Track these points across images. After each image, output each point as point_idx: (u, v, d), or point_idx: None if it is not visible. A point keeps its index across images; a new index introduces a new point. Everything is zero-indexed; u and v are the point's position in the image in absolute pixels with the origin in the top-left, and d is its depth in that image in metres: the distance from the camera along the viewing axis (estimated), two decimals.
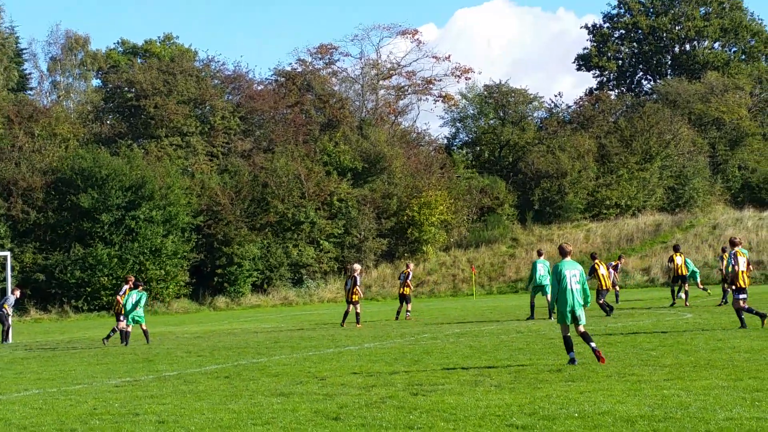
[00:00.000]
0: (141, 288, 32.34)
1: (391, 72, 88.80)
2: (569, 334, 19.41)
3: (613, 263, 45.11)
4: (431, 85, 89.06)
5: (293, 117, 76.88)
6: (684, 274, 38.90)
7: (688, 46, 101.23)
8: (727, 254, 31.01)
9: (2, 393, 19.13)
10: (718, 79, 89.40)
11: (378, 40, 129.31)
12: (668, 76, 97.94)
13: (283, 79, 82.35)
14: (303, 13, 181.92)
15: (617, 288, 43.60)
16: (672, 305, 37.84)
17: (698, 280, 41.65)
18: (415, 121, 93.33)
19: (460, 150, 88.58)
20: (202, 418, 14.65)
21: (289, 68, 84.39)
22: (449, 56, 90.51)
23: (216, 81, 77.39)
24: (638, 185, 79.30)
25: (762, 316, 25.62)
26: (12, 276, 42.49)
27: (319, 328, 36.53)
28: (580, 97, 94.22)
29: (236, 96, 78.05)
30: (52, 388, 19.64)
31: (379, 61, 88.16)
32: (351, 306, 36.05)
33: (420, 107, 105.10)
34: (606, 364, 18.85)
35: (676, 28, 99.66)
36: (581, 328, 19.45)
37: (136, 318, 31.48)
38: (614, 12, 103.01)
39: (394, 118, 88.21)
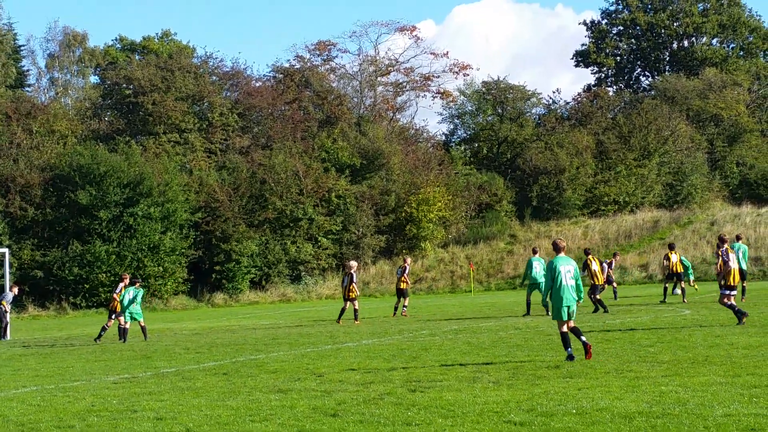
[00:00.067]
0: (138, 284, 32.35)
1: (389, 68, 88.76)
2: (566, 331, 19.46)
3: (608, 260, 45.13)
4: (429, 82, 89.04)
5: (291, 114, 76.83)
6: (679, 271, 38.98)
7: (686, 43, 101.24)
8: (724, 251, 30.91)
9: (0, 390, 19.14)
10: (716, 76, 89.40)
11: (376, 37, 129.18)
12: (666, 73, 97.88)
13: (281, 75, 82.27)
14: (301, 9, 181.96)
15: (614, 285, 43.59)
16: (662, 302, 37.88)
17: (692, 277, 41.67)
18: (413, 118, 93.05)
19: (458, 146, 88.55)
20: (200, 415, 14.67)
21: (287, 65, 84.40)
22: (447, 52, 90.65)
23: (214, 78, 77.33)
24: (636, 182, 79.30)
25: (742, 315, 25.57)
26: (10, 273, 42.49)
27: (317, 324, 36.54)
28: (579, 94, 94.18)
29: (234, 93, 77.97)
30: (50, 384, 19.65)
31: (378, 58, 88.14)
32: (348, 303, 36.04)
33: (418, 104, 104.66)
34: (603, 360, 18.87)
35: (674, 24, 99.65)
36: (571, 323, 19.54)
37: (134, 315, 31.49)
38: (612, 8, 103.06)
39: (392, 114, 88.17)
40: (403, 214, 71.10)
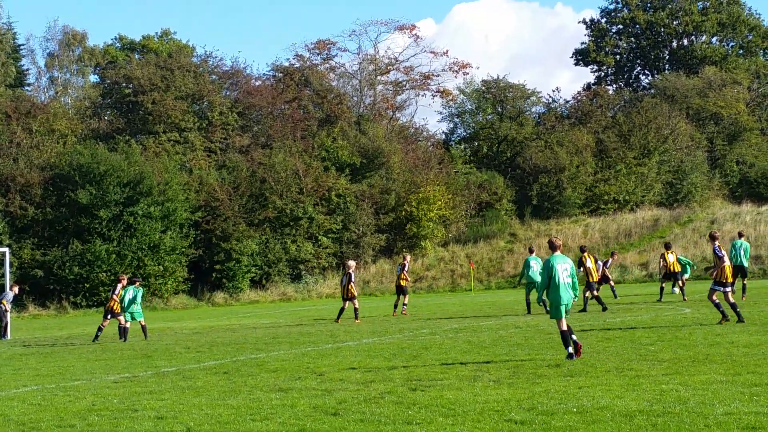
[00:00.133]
0: (138, 283, 32.33)
1: (388, 67, 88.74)
2: (566, 329, 19.48)
3: (605, 259, 45.14)
4: (429, 81, 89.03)
5: (291, 112, 76.82)
6: (676, 271, 38.96)
7: (685, 41, 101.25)
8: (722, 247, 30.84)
9: (1, 389, 19.14)
10: (716, 74, 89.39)
11: (376, 36, 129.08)
12: (666, 71, 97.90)
13: (280, 74, 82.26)
14: (301, 8, 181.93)
15: (612, 283, 43.59)
16: (658, 301, 37.89)
17: (688, 274, 41.54)
18: (413, 117, 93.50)
19: (458, 145, 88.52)
20: (200, 414, 14.67)
21: (286, 64, 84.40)
22: (447, 51, 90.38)
23: (214, 77, 77.31)
24: (636, 180, 79.31)
25: (723, 315, 25.58)
26: (10, 272, 42.49)
27: (317, 323, 36.54)
28: (578, 92, 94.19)
29: (234, 92, 77.96)
30: (50, 384, 19.65)
31: (377, 57, 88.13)
32: (347, 303, 36.06)
33: (418, 102, 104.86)
34: (604, 359, 18.87)
35: (674, 22, 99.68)
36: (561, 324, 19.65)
37: (134, 314, 31.49)
38: (612, 7, 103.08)
39: (392, 113, 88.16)
40: (403, 213, 71.10)
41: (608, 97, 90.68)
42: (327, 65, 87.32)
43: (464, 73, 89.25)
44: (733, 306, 25.72)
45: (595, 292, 34.67)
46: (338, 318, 36.14)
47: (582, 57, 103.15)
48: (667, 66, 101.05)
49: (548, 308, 31.97)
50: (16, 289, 39.03)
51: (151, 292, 60.09)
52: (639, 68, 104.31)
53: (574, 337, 19.40)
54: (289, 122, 75.08)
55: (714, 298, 25.65)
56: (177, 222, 62.61)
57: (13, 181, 61.31)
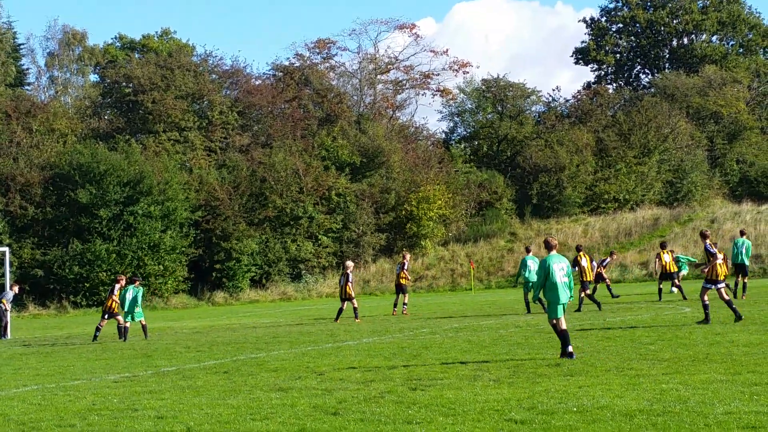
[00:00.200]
0: (137, 283, 32.32)
1: (389, 66, 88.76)
2: (565, 328, 19.53)
3: (604, 258, 45.15)
4: (429, 80, 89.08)
5: (291, 112, 76.81)
6: (672, 271, 38.85)
7: (685, 40, 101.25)
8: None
9: (1, 389, 19.14)
10: (716, 73, 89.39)
11: (376, 35, 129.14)
12: (666, 70, 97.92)
13: (280, 73, 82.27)
14: (300, 7, 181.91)
15: (608, 282, 43.61)
16: (659, 301, 37.87)
17: (685, 271, 41.41)
18: (413, 116, 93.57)
19: (458, 144, 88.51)
20: (200, 414, 14.67)
21: (286, 63, 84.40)
22: (447, 50, 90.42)
23: (214, 76, 77.30)
24: (636, 179, 79.31)
25: (706, 317, 25.56)
26: (10, 271, 42.48)
27: (317, 323, 36.55)
28: (578, 91, 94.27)
29: (234, 91, 77.96)
30: (50, 383, 19.65)
31: (377, 56, 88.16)
32: (345, 303, 36.11)
33: (418, 102, 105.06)
34: (604, 358, 18.89)
35: (674, 21, 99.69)
36: (555, 322, 19.67)
37: (134, 314, 31.48)
38: (612, 6, 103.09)
39: (392, 112, 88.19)
40: (404, 212, 71.11)
41: (608, 96, 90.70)
42: (327, 64, 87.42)
43: (464, 72, 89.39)
44: (729, 303, 25.68)
45: (588, 291, 34.70)
46: (337, 318, 36.16)
47: (582, 56, 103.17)
48: (667, 65, 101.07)
49: (546, 307, 32.10)
50: (16, 289, 39.03)
51: (151, 291, 60.11)
52: (639, 67, 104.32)
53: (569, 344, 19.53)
54: (289, 121, 75.08)
55: (705, 298, 25.61)
56: (177, 221, 62.62)
57: (13, 181, 61.32)
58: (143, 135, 70.57)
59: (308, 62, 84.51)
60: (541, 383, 16.03)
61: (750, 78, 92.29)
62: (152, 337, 31.70)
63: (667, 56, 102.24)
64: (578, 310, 33.79)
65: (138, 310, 31.48)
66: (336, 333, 29.80)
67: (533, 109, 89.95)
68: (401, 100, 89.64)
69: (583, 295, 34.77)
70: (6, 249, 42.01)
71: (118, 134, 68.74)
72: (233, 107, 74.42)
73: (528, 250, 37.34)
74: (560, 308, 19.52)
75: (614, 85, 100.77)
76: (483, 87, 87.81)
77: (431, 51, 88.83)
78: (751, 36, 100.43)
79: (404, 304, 38.89)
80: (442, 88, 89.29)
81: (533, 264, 34.47)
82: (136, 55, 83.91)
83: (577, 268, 34.51)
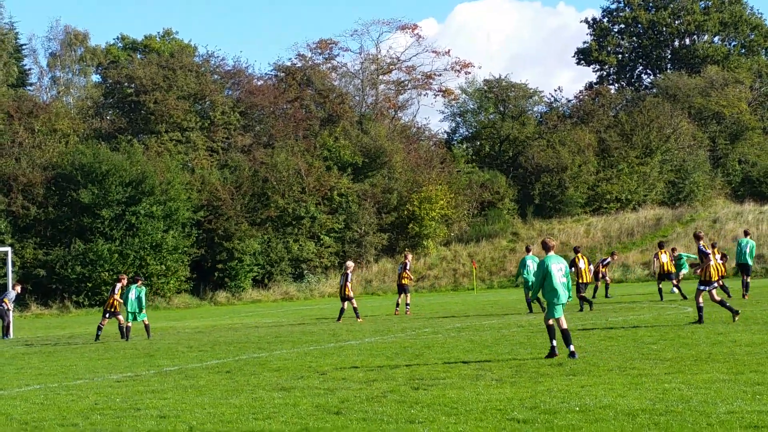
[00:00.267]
0: (140, 283, 32.34)
1: (390, 67, 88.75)
2: (566, 327, 19.57)
3: (605, 258, 45.15)
4: (431, 80, 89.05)
5: (293, 112, 76.81)
6: (670, 271, 38.80)
7: (687, 40, 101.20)
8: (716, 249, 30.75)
9: (3, 388, 19.15)
10: (718, 73, 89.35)
11: (378, 35, 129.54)
12: (668, 70, 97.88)
13: (282, 74, 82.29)
14: (302, 8, 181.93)
15: (608, 279, 43.54)
16: (661, 300, 37.85)
17: (686, 270, 41.39)
18: (415, 116, 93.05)
19: (460, 145, 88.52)
20: (203, 413, 14.67)
21: (288, 63, 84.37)
22: (449, 51, 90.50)
23: (216, 76, 77.28)
24: (638, 179, 79.29)
25: (699, 318, 25.56)
26: (13, 271, 42.49)
27: (320, 322, 36.56)
28: (580, 92, 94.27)
29: (236, 91, 77.95)
30: (53, 383, 19.66)
31: (379, 56, 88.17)
32: (345, 303, 36.19)
33: (420, 102, 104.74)
34: (606, 358, 18.89)
35: (676, 22, 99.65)
36: (551, 321, 19.72)
37: (137, 314, 31.51)
38: (614, 6, 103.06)
39: (394, 112, 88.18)
40: (406, 213, 71.11)
41: (610, 96, 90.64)
42: (329, 65, 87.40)
43: (466, 73, 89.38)
44: (721, 303, 25.72)
45: (583, 293, 34.75)
46: (339, 318, 36.21)
47: (584, 56, 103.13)
48: (669, 65, 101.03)
49: (536, 308, 32.29)
50: (18, 289, 39.05)
51: (154, 291, 60.13)
52: (641, 67, 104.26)
53: (554, 342, 19.57)
54: (291, 122, 75.08)
55: (699, 300, 25.63)
56: (179, 221, 62.65)
57: (15, 181, 61.35)
58: (145, 135, 70.57)
59: (310, 63, 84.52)
60: (544, 383, 16.03)
61: (752, 78, 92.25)
62: (155, 337, 31.72)
63: (669, 57, 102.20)
64: (580, 310, 33.79)
65: (140, 309, 31.51)
66: (338, 333, 29.82)
67: (535, 109, 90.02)
68: (403, 101, 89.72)
69: (583, 294, 34.80)
70: (8, 249, 42.04)
71: (120, 134, 68.77)
72: (235, 107, 74.43)
73: (528, 250, 37.34)
74: (560, 308, 19.61)
75: (616, 85, 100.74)
76: (485, 87, 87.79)
77: (433, 51, 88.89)
78: (752, 36, 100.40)
79: (407, 304, 38.92)
80: (444, 89, 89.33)
81: (533, 264, 34.45)
82: (138, 56, 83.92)
83: (574, 269, 34.55)
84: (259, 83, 79.92)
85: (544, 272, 19.71)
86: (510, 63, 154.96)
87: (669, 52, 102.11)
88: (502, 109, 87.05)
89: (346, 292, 36.05)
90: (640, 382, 15.52)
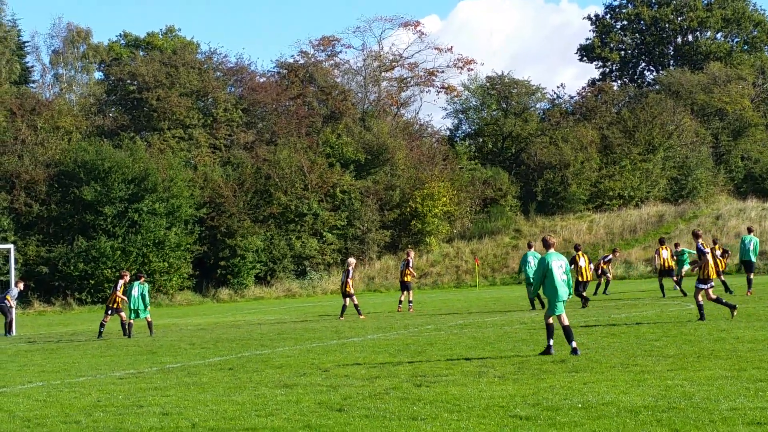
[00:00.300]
0: (142, 279, 32.36)
1: (393, 64, 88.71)
2: (568, 324, 19.68)
3: (606, 255, 45.15)
4: (434, 77, 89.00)
5: (296, 109, 76.77)
6: (671, 267, 38.77)
7: (690, 37, 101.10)
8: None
9: (6, 385, 19.17)
10: (721, 70, 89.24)
11: (380, 32, 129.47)
12: (671, 67, 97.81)
13: (285, 71, 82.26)
14: (305, 5, 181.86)
15: (609, 276, 43.47)
16: (663, 297, 37.83)
17: (687, 266, 41.36)
18: (417, 113, 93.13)
19: (462, 141, 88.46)
20: (206, 410, 14.68)
21: (291, 60, 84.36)
22: (452, 48, 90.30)
23: (218, 73, 77.22)
24: (641, 176, 79.21)
25: (701, 316, 25.56)
26: (15, 268, 42.53)
27: (322, 319, 36.58)
28: (583, 88, 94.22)
29: (239, 88, 77.91)
30: (56, 380, 19.68)
31: (382, 53, 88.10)
32: (346, 299, 36.25)
33: (422, 99, 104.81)
34: (609, 354, 18.90)
35: (679, 18, 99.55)
36: (550, 320, 19.80)
37: (140, 311, 31.53)
38: (616, 3, 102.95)
39: (396, 109, 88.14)
40: (408, 209, 71.08)
41: (613, 93, 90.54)
42: (331, 62, 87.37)
43: (469, 70, 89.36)
44: (718, 300, 25.75)
45: (583, 291, 34.76)
46: (342, 315, 36.25)
47: (586, 53, 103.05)
48: (671, 62, 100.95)
49: (535, 306, 32.37)
50: (21, 286, 39.06)
51: (156, 288, 60.15)
52: (644, 64, 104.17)
53: (551, 341, 19.64)
54: (293, 119, 75.04)
55: (699, 298, 25.62)
56: (182, 218, 62.67)
57: (18, 178, 61.38)
58: (148, 132, 70.55)
59: (313, 60, 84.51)
60: (546, 379, 16.04)
61: (755, 75, 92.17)
62: (157, 334, 31.74)
63: (671, 53, 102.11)
64: (583, 307, 33.79)
65: (144, 307, 31.54)
66: (341, 330, 29.82)
67: (538, 106, 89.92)
68: (406, 98, 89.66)
69: (583, 293, 34.83)
70: (11, 246, 42.06)
71: (123, 132, 68.75)
72: (238, 104, 74.41)
73: (530, 246, 37.33)
74: (560, 305, 19.67)
75: (619, 82, 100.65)
76: (487, 84, 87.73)
77: (436, 48, 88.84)
78: (755, 33, 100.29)
79: (409, 301, 38.94)
80: (446, 85, 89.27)
81: (534, 260, 34.46)
82: (141, 53, 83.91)
83: (574, 267, 34.57)
84: (261, 80, 79.89)
85: (544, 269, 19.77)
86: (513, 60, 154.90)
87: (672, 48, 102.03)
88: (504, 105, 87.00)
89: (347, 289, 36.13)
90: (643, 378, 15.52)
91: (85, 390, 17.70)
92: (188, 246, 62.90)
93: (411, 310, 38.52)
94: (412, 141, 79.23)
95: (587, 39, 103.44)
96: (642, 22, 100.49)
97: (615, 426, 11.94)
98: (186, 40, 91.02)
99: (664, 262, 38.58)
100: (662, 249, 38.95)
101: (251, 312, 46.65)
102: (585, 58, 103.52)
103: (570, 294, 19.98)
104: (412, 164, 73.87)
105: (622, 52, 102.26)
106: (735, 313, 25.41)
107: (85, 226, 60.53)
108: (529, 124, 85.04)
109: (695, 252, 26.78)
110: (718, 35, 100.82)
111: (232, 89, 77.91)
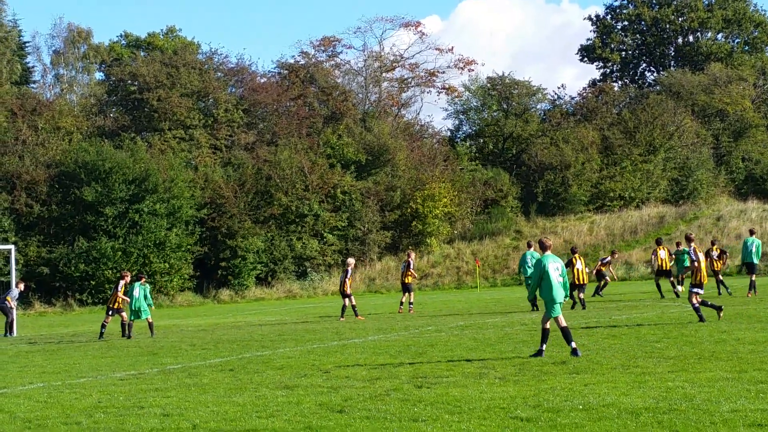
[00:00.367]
0: (143, 280, 32.36)
1: (394, 64, 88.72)
2: (566, 325, 19.69)
3: (605, 257, 45.14)
4: (434, 78, 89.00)
5: (296, 110, 76.79)
6: (668, 268, 38.73)
7: (691, 38, 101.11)
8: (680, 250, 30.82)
9: (7, 386, 19.17)
10: (722, 71, 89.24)
11: (381, 33, 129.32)
12: (671, 68, 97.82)
13: (286, 71, 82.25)
14: (305, 5, 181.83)
15: (608, 279, 43.47)
16: (662, 298, 37.82)
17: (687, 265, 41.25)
18: (418, 114, 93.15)
19: (463, 142, 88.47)
20: (206, 411, 14.69)
21: (292, 61, 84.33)
22: (452, 48, 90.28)
23: (219, 74, 77.21)
24: (642, 177, 79.21)
25: (700, 318, 25.52)
26: (16, 269, 42.52)
27: (323, 320, 36.57)
28: (584, 89, 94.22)
29: (239, 89, 77.92)
30: (56, 381, 19.68)
31: (383, 54, 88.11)
32: (345, 299, 36.28)
33: (423, 99, 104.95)
34: (610, 356, 18.90)
35: (679, 19, 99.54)
36: (547, 325, 19.83)
37: (141, 312, 31.54)
38: (617, 3, 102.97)
39: (397, 110, 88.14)
40: (409, 210, 71.08)
41: (614, 93, 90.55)
42: (332, 62, 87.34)
43: (469, 70, 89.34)
44: (703, 303, 25.80)
45: (581, 295, 34.75)
46: (342, 315, 36.26)
47: (587, 53, 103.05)
48: (672, 62, 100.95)
49: (536, 307, 32.37)
50: (21, 287, 39.06)
51: (157, 289, 60.13)
52: (644, 65, 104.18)
53: (543, 346, 19.68)
54: (294, 119, 75.05)
55: (694, 300, 25.64)
56: (182, 219, 62.67)
57: (18, 179, 61.38)
58: (149, 133, 70.56)
59: (313, 60, 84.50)
60: (547, 381, 16.03)
61: (755, 76, 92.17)
62: (158, 335, 31.74)
63: (672, 54, 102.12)
64: (584, 308, 33.78)
65: (144, 306, 31.55)
66: (341, 331, 29.82)
67: (538, 106, 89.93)
68: (406, 98, 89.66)
69: (582, 295, 34.79)
70: (12, 247, 42.06)
71: (124, 132, 68.75)
72: (238, 105, 74.42)
73: (530, 245, 37.31)
74: (557, 307, 19.71)
75: (619, 82, 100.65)
76: (488, 85, 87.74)
77: (436, 49, 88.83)
78: (756, 33, 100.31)
79: (410, 303, 38.92)
80: (447, 86, 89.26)
81: (532, 260, 34.49)
82: (142, 53, 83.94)
83: (570, 269, 34.57)
84: (262, 81, 79.90)
85: (541, 271, 19.82)
86: (513, 60, 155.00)
87: (672, 49, 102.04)
88: (505, 106, 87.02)
89: (345, 289, 36.17)
90: (644, 380, 15.52)
91: (86, 391, 17.70)
92: (189, 247, 62.90)
93: (411, 311, 38.51)
94: (413, 142, 79.23)
95: (588, 39, 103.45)
96: (643, 22, 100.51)
97: (616, 427, 11.94)
98: (187, 41, 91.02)
99: (662, 263, 38.59)
100: (660, 250, 38.98)
101: (252, 313, 46.65)
102: (586, 59, 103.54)
103: (566, 296, 20.00)
104: (413, 165, 73.86)
105: (623, 53, 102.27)
106: (721, 315, 25.49)
107: (86, 227, 60.53)
108: (530, 124, 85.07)
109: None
110: (719, 36, 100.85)
111: (233, 90, 77.92)
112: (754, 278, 36.77)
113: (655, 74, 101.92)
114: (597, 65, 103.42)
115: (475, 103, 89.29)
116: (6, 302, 36.95)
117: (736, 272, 56.35)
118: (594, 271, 42.54)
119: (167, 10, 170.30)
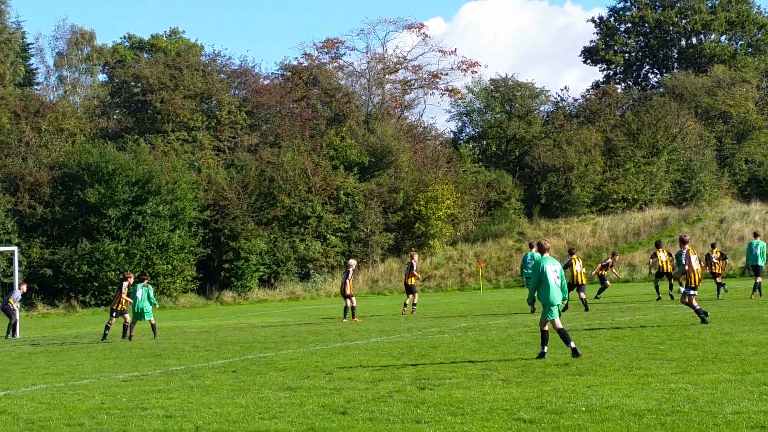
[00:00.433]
0: (146, 282, 32.37)
1: (397, 66, 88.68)
2: (562, 327, 19.71)
3: (606, 259, 45.08)
4: (438, 79, 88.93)
5: (299, 111, 76.83)
6: (668, 270, 38.71)
7: (694, 40, 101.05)
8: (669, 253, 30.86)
9: (10, 388, 19.17)
10: (725, 73, 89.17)
11: (384, 35, 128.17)
12: (675, 70, 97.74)
13: (289, 73, 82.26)
14: (309, 7, 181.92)
15: (608, 282, 43.41)
16: (658, 299, 37.80)
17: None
18: (421, 115, 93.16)
19: (466, 144, 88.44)
20: (209, 413, 14.69)
21: (295, 63, 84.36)
22: (456, 50, 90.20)
23: (222, 76, 77.28)
24: (645, 179, 79.16)
25: (702, 320, 25.53)
26: (19, 271, 42.51)
27: (326, 322, 36.56)
28: (587, 91, 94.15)
29: (242, 90, 77.96)
30: (59, 382, 19.68)
31: (386, 56, 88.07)
32: (347, 300, 36.32)
33: (426, 101, 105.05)
34: (613, 358, 18.89)
35: (683, 21, 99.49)
36: (546, 327, 19.85)
37: (144, 313, 31.55)
38: (620, 5, 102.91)
39: (400, 112, 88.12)
40: (412, 212, 71.09)
41: (617, 95, 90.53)
42: (335, 64, 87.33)
43: (473, 72, 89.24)
44: (688, 304, 25.87)
45: (582, 295, 34.74)
46: (345, 316, 36.25)
47: (591, 55, 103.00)
48: (675, 64, 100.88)
49: (534, 309, 32.33)
50: (24, 288, 39.07)
51: (160, 290, 60.13)
52: (648, 67, 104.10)
53: (545, 348, 19.69)
54: (297, 121, 75.08)
55: (693, 303, 25.67)
56: (185, 221, 62.69)
57: (22, 180, 61.44)
58: (152, 134, 70.62)
59: (316, 62, 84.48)
60: (550, 383, 16.02)
61: (759, 78, 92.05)
62: (161, 337, 31.73)
63: (675, 56, 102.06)
64: (586, 309, 33.77)
65: (148, 308, 31.57)
66: (344, 332, 29.82)
67: (542, 108, 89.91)
68: (410, 100, 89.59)
69: (582, 295, 34.78)
70: (15, 248, 42.09)
71: (127, 134, 68.79)
72: (242, 107, 74.46)
73: (531, 246, 37.26)
74: (555, 310, 19.78)
75: (623, 84, 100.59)
76: (491, 87, 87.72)
77: (440, 51, 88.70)
78: (759, 36, 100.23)
79: (413, 304, 38.89)
80: (450, 88, 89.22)
81: (533, 261, 34.44)
82: (145, 55, 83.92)
83: (567, 270, 34.55)
84: (265, 82, 79.94)
85: (539, 274, 19.87)
86: (517, 62, 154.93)
87: (676, 51, 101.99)
88: (508, 108, 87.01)
89: (346, 290, 36.20)
90: (647, 382, 15.51)
91: (89, 392, 17.70)
92: (192, 248, 62.92)
93: (414, 312, 38.50)
94: (416, 143, 79.26)
95: (591, 41, 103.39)
96: (646, 24, 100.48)
97: (619, 429, 11.94)
98: (190, 43, 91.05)
99: (662, 265, 38.63)
100: (659, 252, 39.06)
101: (255, 315, 46.64)
102: (589, 61, 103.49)
103: (565, 298, 20.03)
104: (416, 167, 73.87)
105: (626, 55, 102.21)
106: (707, 320, 25.55)
107: (89, 229, 60.57)
108: (533, 126, 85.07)
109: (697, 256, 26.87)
110: (722, 38, 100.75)
111: (236, 91, 77.96)
112: (759, 280, 36.75)
113: (658, 76, 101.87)
114: (600, 67, 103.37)
115: (478, 105, 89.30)
116: (9, 304, 36.99)
117: (740, 274, 56.33)
118: (594, 274, 42.55)
119: (170, 11, 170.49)
